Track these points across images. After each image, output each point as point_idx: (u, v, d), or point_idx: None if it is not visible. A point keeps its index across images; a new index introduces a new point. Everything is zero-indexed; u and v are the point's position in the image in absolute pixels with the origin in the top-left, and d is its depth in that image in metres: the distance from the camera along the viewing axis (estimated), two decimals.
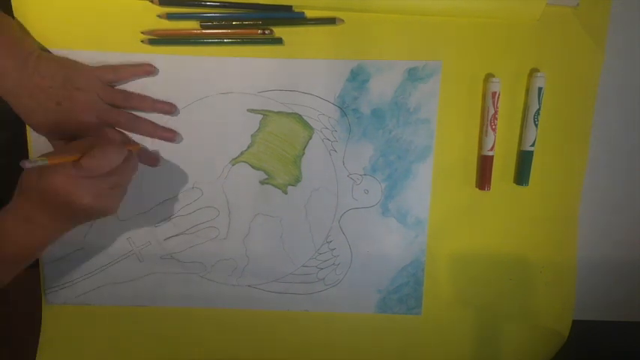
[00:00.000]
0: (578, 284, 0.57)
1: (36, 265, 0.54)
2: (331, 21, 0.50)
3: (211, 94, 0.52)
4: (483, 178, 0.53)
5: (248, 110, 0.52)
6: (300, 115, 0.52)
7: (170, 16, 0.50)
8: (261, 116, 0.52)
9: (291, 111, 0.52)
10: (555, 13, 0.51)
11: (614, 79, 0.53)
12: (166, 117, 0.52)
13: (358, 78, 0.52)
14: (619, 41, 0.52)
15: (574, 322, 0.57)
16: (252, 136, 0.53)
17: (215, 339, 0.57)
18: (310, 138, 0.53)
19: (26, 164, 0.37)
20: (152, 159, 0.52)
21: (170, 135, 0.52)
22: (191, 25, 0.51)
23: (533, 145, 0.52)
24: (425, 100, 0.52)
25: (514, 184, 0.54)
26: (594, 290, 0.58)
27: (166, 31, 0.50)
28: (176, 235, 0.55)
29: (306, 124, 0.53)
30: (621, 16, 0.51)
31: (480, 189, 0.54)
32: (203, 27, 0.50)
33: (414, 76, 0.52)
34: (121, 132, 0.51)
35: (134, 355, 0.57)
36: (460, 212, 0.55)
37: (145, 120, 0.51)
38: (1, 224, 0.42)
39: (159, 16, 0.50)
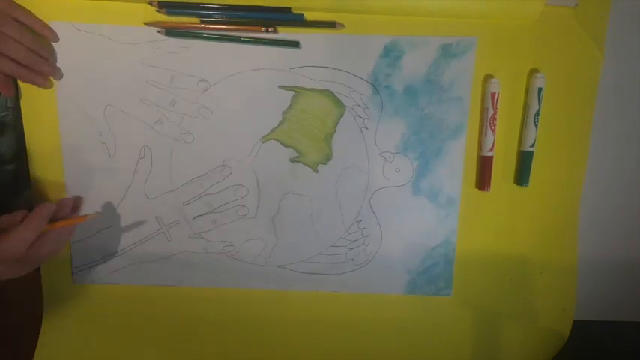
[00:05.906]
0: (578, 284, 0.56)
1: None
2: (331, 25, 0.49)
3: (242, 71, 0.51)
4: (483, 179, 0.53)
5: (279, 87, 0.52)
6: (332, 92, 0.52)
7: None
8: (293, 93, 0.52)
9: (323, 87, 0.52)
10: (554, 14, 0.50)
11: (614, 79, 0.52)
12: (198, 93, 0.51)
13: (391, 55, 0.51)
14: (619, 41, 0.52)
15: (574, 322, 0.57)
16: (283, 113, 0.52)
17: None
18: (342, 115, 0.52)
19: None
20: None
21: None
22: None
23: (533, 145, 0.52)
24: (458, 78, 0.51)
25: (514, 185, 0.54)
26: (594, 290, 0.57)
27: (168, 23, 0.50)
28: (205, 214, 0.54)
29: (337, 102, 0.52)
30: (621, 16, 0.51)
31: (479, 190, 0.53)
32: None
33: (447, 52, 0.51)
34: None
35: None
36: (460, 212, 0.54)
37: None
38: None
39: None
